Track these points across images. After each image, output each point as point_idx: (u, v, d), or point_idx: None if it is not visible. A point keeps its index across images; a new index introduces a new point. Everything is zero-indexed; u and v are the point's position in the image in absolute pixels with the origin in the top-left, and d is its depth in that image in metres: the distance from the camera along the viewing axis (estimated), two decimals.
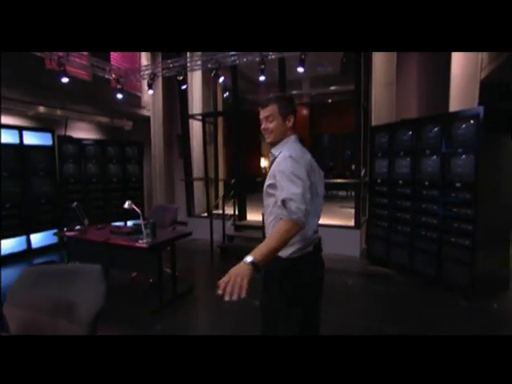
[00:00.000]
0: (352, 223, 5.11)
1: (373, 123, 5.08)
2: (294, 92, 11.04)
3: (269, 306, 1.39)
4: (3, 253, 4.72)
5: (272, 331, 1.39)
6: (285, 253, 1.33)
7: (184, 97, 6.32)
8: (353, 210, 5.17)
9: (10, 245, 4.82)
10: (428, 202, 3.61)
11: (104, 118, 6.66)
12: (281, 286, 1.35)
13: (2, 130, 4.71)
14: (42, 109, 5.38)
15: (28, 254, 5.02)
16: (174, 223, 4.05)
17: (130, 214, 6.31)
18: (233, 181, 5.77)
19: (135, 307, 3.24)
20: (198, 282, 4.08)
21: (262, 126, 1.49)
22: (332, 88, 10.66)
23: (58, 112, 5.69)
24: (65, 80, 4.64)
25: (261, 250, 1.15)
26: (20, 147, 4.86)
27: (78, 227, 3.67)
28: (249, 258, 1.11)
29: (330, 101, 10.70)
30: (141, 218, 3.20)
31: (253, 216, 6.20)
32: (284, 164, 1.30)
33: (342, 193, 9.98)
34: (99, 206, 5.90)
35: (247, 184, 6.14)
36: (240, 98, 6.41)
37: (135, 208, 3.24)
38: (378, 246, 4.51)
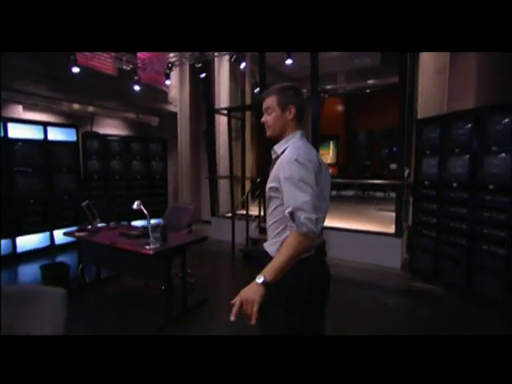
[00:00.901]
0: (392, 230, 4.49)
1: (419, 116, 4.40)
2: (328, 87, 10.38)
3: (267, 311, 1.19)
4: (27, 249, 4.71)
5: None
6: None
7: (209, 90, 6.01)
8: (392, 214, 4.54)
9: (33, 241, 4.80)
10: (492, 211, 2.92)
11: (130, 113, 6.54)
12: (278, 292, 1.21)
13: (27, 126, 4.68)
14: (67, 105, 5.33)
15: (51, 250, 4.99)
16: (190, 225, 3.72)
17: (153, 214, 6.16)
18: (258, 179, 5.36)
19: (140, 319, 2.93)
20: (215, 291, 3.71)
21: (262, 119, 1.38)
22: (370, 82, 9.85)
23: (84, 108, 5.62)
24: (75, 70, 4.47)
25: (271, 268, 1.10)
26: (44, 143, 4.82)
27: (89, 227, 3.45)
28: (260, 279, 1.08)
29: (368, 91, 9.89)
30: (148, 220, 2.88)
31: None
32: (290, 169, 1.18)
33: (380, 194, 9.18)
34: (122, 204, 5.77)
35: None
36: None
37: (143, 209, 2.94)
38: (423, 258, 3.86)
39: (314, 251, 1.27)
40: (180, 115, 7.30)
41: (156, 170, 6.18)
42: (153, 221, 6.10)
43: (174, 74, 7.32)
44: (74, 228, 5.29)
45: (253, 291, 1.06)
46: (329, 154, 11.85)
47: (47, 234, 4.95)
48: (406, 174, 4.24)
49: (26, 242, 4.72)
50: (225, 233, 5.55)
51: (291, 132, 1.34)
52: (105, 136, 5.72)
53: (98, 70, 5.51)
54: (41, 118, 5.19)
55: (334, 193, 9.63)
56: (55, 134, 4.98)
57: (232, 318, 1.01)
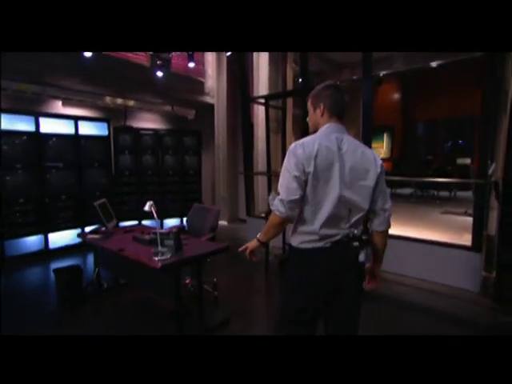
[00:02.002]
0: (464, 240, 3.54)
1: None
2: (383, 72, 9.21)
3: (280, 287, 1.70)
4: (58, 245, 4.65)
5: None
6: (294, 241, 1.42)
7: (244, 76, 5.45)
8: (461, 219, 3.60)
9: (65, 237, 4.72)
10: None
11: (165, 106, 6.27)
12: (287, 272, 1.47)
13: (59, 120, 4.58)
14: (102, 98, 5.17)
15: (83, 247, 4.88)
16: (214, 230, 3.21)
17: (186, 211, 5.84)
18: None
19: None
20: (241, 308, 3.17)
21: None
22: (433, 64, 8.46)
23: (118, 101, 5.44)
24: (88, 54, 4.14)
25: (262, 231, 1.47)
26: (75, 137, 4.69)
27: (102, 229, 3.12)
28: (257, 236, 1.49)
29: (434, 64, 8.50)
30: (157, 225, 2.42)
31: None
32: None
33: (444, 193, 7.90)
34: (154, 200, 5.47)
35: None
36: (317, 81, 5.31)
37: (154, 212, 2.49)
38: None
39: (327, 243, 1.33)
40: (217, 107, 6.88)
41: (189, 164, 5.83)
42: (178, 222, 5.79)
43: (211, 63, 6.91)
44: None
45: (251, 242, 1.54)
46: (382, 148, 10.64)
47: (78, 230, 4.84)
48: (490, 171, 3.26)
49: (59, 238, 4.65)
50: None
51: (321, 126, 1.43)
52: (137, 130, 5.50)
53: (130, 60, 5.28)
54: (79, 112, 5.10)
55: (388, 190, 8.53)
56: (87, 129, 4.83)
57: (239, 249, 1.58)
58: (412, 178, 6.86)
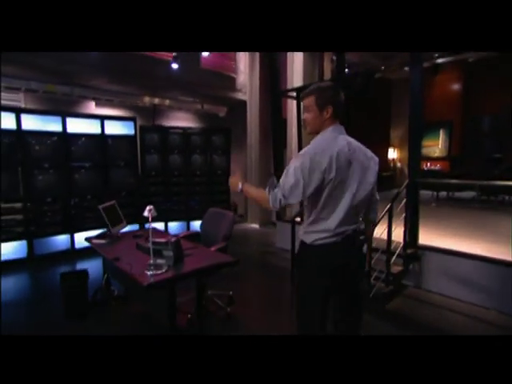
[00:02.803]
0: None
1: None
2: (440, 60, 8.12)
3: (296, 286, 1.59)
4: (84, 245, 4.63)
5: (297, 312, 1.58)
6: (308, 239, 1.45)
7: (275, 68, 5.00)
8: None
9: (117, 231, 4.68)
10: None
11: (195, 104, 6.08)
12: (301, 269, 1.52)
13: (84, 120, 4.57)
14: (130, 97, 5.10)
15: None
16: (228, 239, 2.82)
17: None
18: None
19: None
20: (256, 328, 2.74)
21: (302, 116, 1.51)
22: None
23: (146, 99, 5.35)
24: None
25: (250, 189, 1.58)
26: (102, 137, 4.65)
27: (109, 232, 2.91)
28: (240, 185, 1.58)
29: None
30: (150, 234, 2.10)
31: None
32: (293, 160, 1.41)
33: None
34: (180, 202, 5.32)
35: None
36: (357, 72, 4.69)
37: (149, 217, 2.18)
38: None
39: (339, 238, 1.40)
40: (250, 103, 6.53)
41: (218, 164, 5.54)
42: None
43: (243, 58, 6.59)
44: (134, 226, 5.08)
45: (235, 185, 1.61)
46: (437, 146, 9.43)
47: (104, 231, 4.80)
48: None
49: (82, 238, 4.64)
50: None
51: (325, 128, 1.43)
52: (164, 128, 5.35)
53: (157, 57, 5.14)
54: (110, 112, 5.09)
55: (444, 194, 7.48)
56: (113, 128, 4.77)
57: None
58: (474, 182, 5.76)
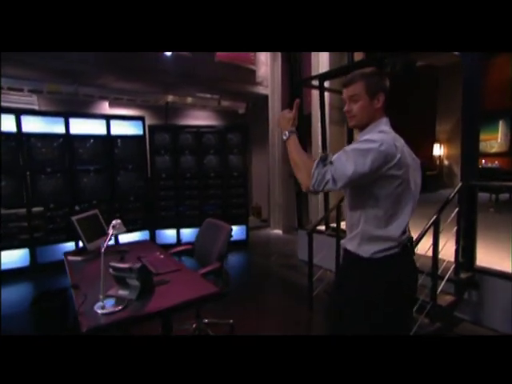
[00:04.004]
0: None
1: None
2: None
3: (348, 308, 1.27)
4: None
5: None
6: (366, 252, 1.21)
7: (295, 55, 4.36)
8: None
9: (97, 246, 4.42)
10: None
11: (212, 100, 5.63)
12: (360, 289, 1.22)
13: (89, 120, 4.29)
14: (140, 95, 4.77)
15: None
16: (223, 258, 2.27)
17: (233, 220, 5.07)
18: None
19: None
20: None
21: (345, 108, 1.28)
22: None
23: (159, 97, 4.99)
24: None
25: (295, 144, 1.24)
26: (108, 138, 4.36)
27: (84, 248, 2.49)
28: (288, 133, 1.27)
29: None
30: (101, 259, 1.61)
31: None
32: (356, 143, 1.19)
33: None
34: (194, 206, 4.89)
35: None
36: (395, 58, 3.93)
37: (109, 232, 1.72)
38: None
39: (400, 249, 1.20)
40: (272, 98, 5.95)
41: (234, 165, 5.02)
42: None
43: None
44: (143, 233, 4.75)
45: (285, 127, 1.30)
46: (496, 140, 8.11)
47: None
48: None
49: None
50: (314, 253, 3.89)
51: (376, 120, 1.25)
52: (174, 127, 4.95)
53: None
54: (125, 112, 4.81)
55: (506, 196, 6.29)
56: (120, 128, 4.45)
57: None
58: None
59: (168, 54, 4.71)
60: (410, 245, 1.24)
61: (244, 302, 3.12)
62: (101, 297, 1.55)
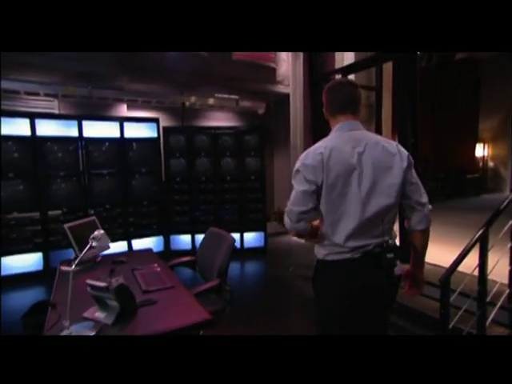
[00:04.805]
0: None
1: None
2: None
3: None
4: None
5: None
6: (319, 254, 1.29)
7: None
8: None
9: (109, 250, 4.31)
10: None
11: (231, 101, 5.41)
12: (314, 286, 1.33)
13: (104, 123, 4.21)
14: (155, 96, 4.65)
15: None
16: (222, 273, 1.98)
17: (250, 226, 4.80)
18: None
19: None
20: None
21: None
22: None
23: (175, 98, 4.85)
24: None
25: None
26: (121, 141, 4.25)
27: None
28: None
29: None
30: (110, 270, 1.38)
31: (440, 253, 3.14)
32: None
33: None
34: (209, 211, 4.67)
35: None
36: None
37: (90, 245, 1.50)
38: None
39: (356, 254, 1.19)
40: (293, 97, 5.61)
41: (252, 168, 4.74)
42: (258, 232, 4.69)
43: None
44: (157, 238, 4.60)
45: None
46: None
47: (125, 243, 4.39)
48: None
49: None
50: None
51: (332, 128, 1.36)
52: (190, 129, 4.77)
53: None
54: (143, 115, 4.73)
55: None
56: (134, 131, 4.34)
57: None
58: None
59: (183, 53, 4.55)
60: (381, 251, 1.19)
61: (252, 318, 2.81)
62: (65, 323, 1.32)
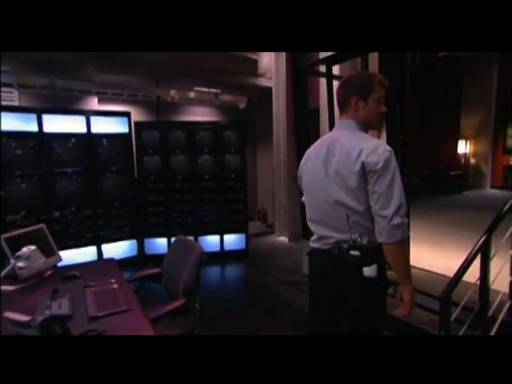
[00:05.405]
0: None
1: None
2: None
3: None
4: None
5: None
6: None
7: None
8: None
9: (78, 256, 3.96)
10: None
11: (208, 94, 5.10)
12: None
13: (66, 117, 3.83)
14: (128, 89, 4.29)
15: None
16: (188, 292, 1.71)
17: (227, 226, 4.53)
18: None
19: None
20: None
21: (384, 108, 1.31)
22: None
23: (149, 91, 4.50)
24: None
25: (409, 281, 1.27)
26: (88, 136, 3.89)
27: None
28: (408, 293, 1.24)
29: None
30: (52, 291, 1.08)
31: (428, 255, 2.97)
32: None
33: None
34: (186, 212, 4.38)
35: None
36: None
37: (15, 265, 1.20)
38: None
39: (327, 246, 1.28)
40: (276, 91, 5.36)
41: (232, 166, 4.47)
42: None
43: None
44: (130, 242, 4.27)
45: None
46: None
47: (94, 248, 4.04)
48: None
49: (72, 256, 3.92)
50: None
51: None
52: (164, 124, 4.44)
53: None
54: (116, 109, 4.34)
55: None
56: (101, 126, 3.98)
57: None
58: None
59: None
60: (347, 247, 1.23)
61: (227, 330, 2.56)
62: None
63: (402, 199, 1.13)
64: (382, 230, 1.15)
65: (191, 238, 4.17)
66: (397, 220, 1.12)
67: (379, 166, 1.13)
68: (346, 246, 1.23)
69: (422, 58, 6.34)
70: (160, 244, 4.38)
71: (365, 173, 1.16)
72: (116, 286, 1.80)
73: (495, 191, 7.94)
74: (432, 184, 7.70)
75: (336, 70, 3.59)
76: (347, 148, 1.20)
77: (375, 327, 1.27)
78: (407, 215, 1.20)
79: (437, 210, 5.98)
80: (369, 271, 1.18)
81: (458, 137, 8.57)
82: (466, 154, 8.67)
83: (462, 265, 1.49)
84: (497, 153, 8.21)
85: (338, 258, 1.25)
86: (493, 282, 1.65)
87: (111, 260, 2.37)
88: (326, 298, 1.33)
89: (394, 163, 1.14)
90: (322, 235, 1.29)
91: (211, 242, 4.49)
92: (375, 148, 1.15)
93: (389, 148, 1.16)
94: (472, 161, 8.72)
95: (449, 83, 8.02)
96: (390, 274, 2.56)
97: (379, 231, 1.17)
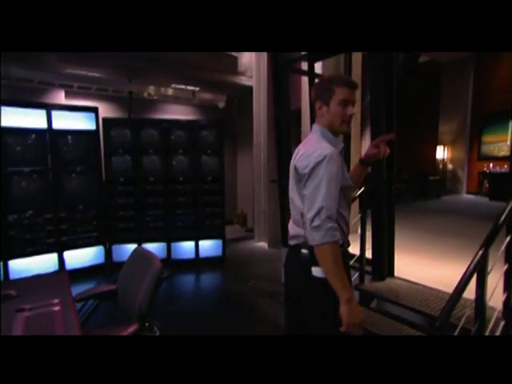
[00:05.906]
0: None
1: None
2: None
3: None
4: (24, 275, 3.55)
5: None
6: None
7: None
8: None
9: (35, 265, 3.59)
10: None
11: (187, 92, 4.84)
12: None
13: (25, 111, 3.48)
14: (96, 82, 3.96)
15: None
16: (144, 315, 1.47)
17: (205, 232, 4.28)
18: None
19: None
20: None
21: (353, 110, 1.26)
22: None
23: (122, 85, 4.19)
24: None
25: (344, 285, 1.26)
26: (49, 133, 3.55)
27: None
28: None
29: None
30: None
31: (415, 267, 2.84)
32: None
33: None
34: (158, 217, 4.09)
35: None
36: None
37: None
38: None
39: (293, 242, 1.31)
40: (256, 90, 5.17)
41: (209, 168, 4.23)
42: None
43: None
44: (97, 249, 3.95)
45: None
46: (505, 142, 7.43)
47: (54, 255, 3.68)
48: None
49: (27, 265, 3.55)
50: None
51: None
52: (135, 121, 4.15)
53: None
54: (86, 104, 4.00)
55: None
56: (64, 121, 3.65)
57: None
58: None
59: None
60: (301, 244, 1.26)
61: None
62: None
63: (326, 203, 1.11)
64: (307, 232, 1.17)
65: (153, 248, 3.93)
66: (316, 222, 1.11)
67: (307, 169, 1.16)
68: (299, 243, 1.26)
69: (403, 61, 6.33)
70: (130, 250, 4.02)
71: (299, 176, 1.20)
72: (58, 308, 1.53)
73: (471, 196, 8.08)
74: (413, 189, 7.74)
75: (318, 67, 3.43)
76: (300, 152, 1.25)
77: (325, 329, 1.21)
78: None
79: (418, 214, 5.96)
80: (318, 271, 1.18)
81: (436, 142, 8.68)
82: (443, 159, 8.80)
83: (457, 285, 1.32)
84: (472, 159, 8.37)
85: (291, 256, 1.31)
86: (489, 299, 1.51)
87: (63, 273, 2.08)
88: (288, 296, 1.36)
89: (325, 169, 1.12)
90: (291, 232, 1.33)
91: (186, 248, 4.22)
92: (312, 152, 1.16)
93: (327, 153, 1.13)
94: (449, 166, 8.85)
95: (428, 88, 8.12)
96: (375, 285, 2.38)
97: (308, 233, 1.17)
